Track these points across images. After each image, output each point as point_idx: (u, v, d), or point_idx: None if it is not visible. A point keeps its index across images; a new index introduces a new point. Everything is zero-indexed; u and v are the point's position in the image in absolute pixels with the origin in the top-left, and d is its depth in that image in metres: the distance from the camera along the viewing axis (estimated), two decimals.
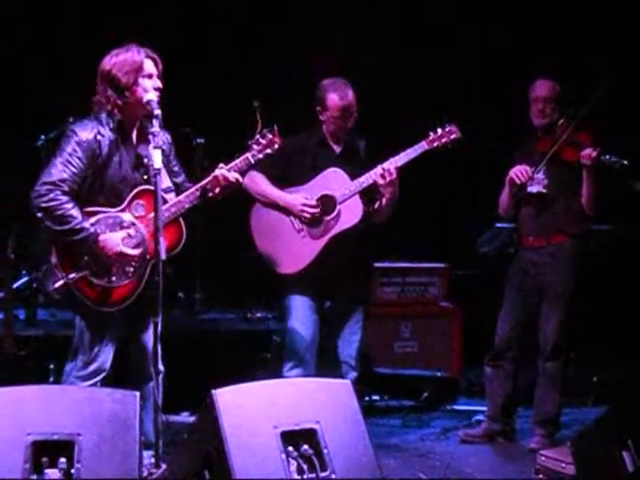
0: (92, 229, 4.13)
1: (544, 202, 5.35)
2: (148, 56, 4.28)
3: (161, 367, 4.37)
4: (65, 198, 4.10)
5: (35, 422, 3.43)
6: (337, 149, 5.10)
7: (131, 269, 4.23)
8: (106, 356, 4.30)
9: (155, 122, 4.13)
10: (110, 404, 3.52)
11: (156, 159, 4.05)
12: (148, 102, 4.20)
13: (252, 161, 4.47)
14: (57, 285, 4.16)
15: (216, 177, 4.35)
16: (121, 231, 4.21)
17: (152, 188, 4.18)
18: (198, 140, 6.80)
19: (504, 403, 5.50)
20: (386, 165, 4.87)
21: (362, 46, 7.46)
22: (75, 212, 4.10)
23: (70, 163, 4.14)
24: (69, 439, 3.42)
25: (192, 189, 4.35)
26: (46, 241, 4.24)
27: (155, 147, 4.07)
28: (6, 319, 5.82)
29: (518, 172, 5.28)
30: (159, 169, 4.03)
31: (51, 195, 4.08)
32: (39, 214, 4.11)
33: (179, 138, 5.63)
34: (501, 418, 5.52)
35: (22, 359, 5.61)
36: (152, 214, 4.19)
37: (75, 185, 4.15)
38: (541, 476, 4.68)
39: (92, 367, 4.26)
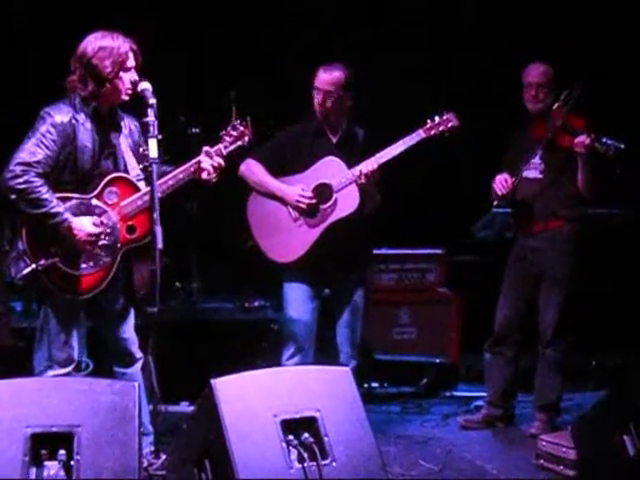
0: (66, 214, 4.10)
1: (541, 187, 5.34)
2: (131, 48, 4.24)
3: (140, 354, 4.38)
4: (40, 181, 4.05)
5: (34, 414, 3.41)
6: (334, 138, 5.08)
7: (101, 257, 4.21)
8: (75, 345, 4.29)
9: (150, 111, 4.11)
10: (109, 395, 3.50)
11: (152, 148, 4.04)
12: (142, 91, 4.18)
13: (223, 153, 4.45)
14: (25, 272, 4.10)
15: (207, 152, 4.37)
16: (93, 217, 4.18)
17: (124, 175, 4.23)
18: (193, 130, 6.76)
19: (504, 389, 5.50)
20: (372, 163, 4.84)
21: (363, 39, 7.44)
22: (49, 196, 4.06)
23: (44, 144, 4.09)
24: (68, 431, 3.40)
25: (172, 174, 4.33)
26: (15, 226, 4.17)
27: (151, 137, 4.05)
28: (3, 311, 5.80)
29: (499, 183, 5.27)
30: (155, 158, 4.01)
31: (26, 177, 4.02)
32: (12, 196, 4.03)
33: (174, 127, 5.62)
34: (501, 403, 5.52)
35: (20, 351, 5.59)
36: (124, 201, 4.22)
37: (48, 168, 4.10)
38: (542, 461, 4.70)
39: (61, 355, 4.24)
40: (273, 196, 5.01)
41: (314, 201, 4.95)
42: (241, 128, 4.49)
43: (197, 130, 6.77)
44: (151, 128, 4.08)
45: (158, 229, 3.96)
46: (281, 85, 7.07)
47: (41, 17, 7.06)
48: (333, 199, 4.93)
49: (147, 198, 4.20)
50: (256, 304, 6.75)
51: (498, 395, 5.52)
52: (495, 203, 5.34)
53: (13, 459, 3.31)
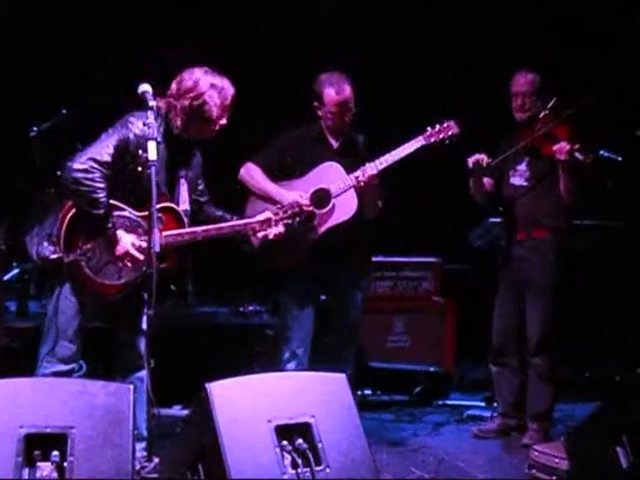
0: (112, 222, 4.13)
1: (526, 195, 5.35)
2: (233, 94, 4.33)
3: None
4: (103, 184, 4.08)
5: (28, 415, 3.40)
6: (335, 143, 5.09)
7: (124, 273, 4.23)
8: (78, 344, 4.29)
9: (150, 114, 4.11)
10: (104, 397, 3.49)
11: (151, 150, 4.03)
12: (143, 94, 4.18)
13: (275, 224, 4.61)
14: (51, 257, 4.13)
15: (269, 219, 4.53)
16: (135, 237, 4.21)
17: (176, 208, 4.28)
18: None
19: (514, 399, 5.49)
20: (372, 169, 4.84)
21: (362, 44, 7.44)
22: (106, 200, 4.10)
23: (119, 149, 4.13)
24: (62, 432, 3.39)
25: (219, 225, 4.43)
26: (59, 208, 4.18)
27: (150, 139, 4.04)
28: None
29: (476, 156, 5.24)
30: (154, 161, 4.00)
31: (92, 175, 4.06)
32: (72, 186, 4.06)
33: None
34: (514, 413, 5.51)
35: (13, 351, 5.58)
36: (166, 232, 4.24)
37: (111, 172, 4.13)
38: (534, 471, 4.68)
39: (65, 352, 4.25)
40: (271, 200, 5.01)
41: (310, 207, 4.95)
42: (297, 209, 4.70)
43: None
44: (151, 130, 4.07)
45: (156, 232, 3.95)
46: (281, 87, 7.07)
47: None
48: (331, 204, 4.93)
49: (187, 237, 4.30)
50: (251, 308, 6.75)
51: (510, 406, 5.51)
52: (473, 175, 5.34)
53: (6, 459, 3.30)
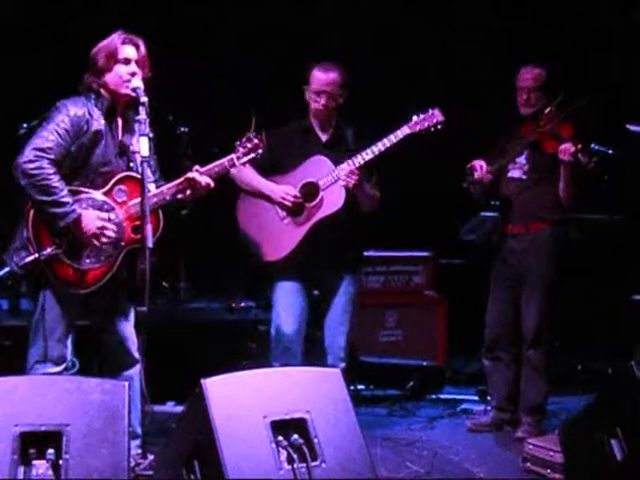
0: (74, 205, 4.11)
1: (524, 188, 5.35)
2: (129, 41, 4.27)
3: (138, 356, 4.36)
4: (52, 169, 4.07)
5: (22, 413, 3.39)
6: (323, 137, 5.10)
7: (103, 253, 4.21)
8: (68, 342, 4.29)
9: (142, 109, 4.11)
10: (99, 394, 3.48)
11: (143, 147, 4.03)
12: (134, 89, 4.18)
13: (236, 163, 4.46)
14: (28, 260, 4.11)
15: (188, 179, 4.35)
16: (101, 212, 4.19)
17: (135, 175, 4.21)
18: (182, 128, 6.72)
19: (508, 393, 5.50)
20: (356, 162, 4.86)
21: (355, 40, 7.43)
22: (60, 184, 4.08)
23: (58, 132, 4.12)
24: (57, 430, 3.38)
25: (168, 185, 4.34)
26: (22, 214, 4.17)
27: (142, 135, 4.04)
28: None
29: (477, 165, 5.29)
30: (147, 157, 4.00)
31: (39, 163, 4.05)
32: (24, 181, 4.06)
33: (162, 126, 5.59)
34: (508, 407, 5.52)
35: (6, 349, 5.56)
36: (133, 201, 4.22)
37: (60, 156, 4.12)
38: (529, 464, 4.70)
39: (55, 353, 4.23)
40: (261, 195, 5.03)
41: (299, 199, 4.96)
42: (256, 140, 4.51)
43: (185, 129, 6.73)
44: (142, 126, 4.08)
45: (148, 227, 3.96)
46: (279, 87, 7.06)
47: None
48: (319, 197, 4.94)
49: (155, 200, 4.25)
50: (242, 305, 6.74)
51: (503, 399, 5.52)
52: (465, 185, 5.36)
53: (1, 458, 3.29)
